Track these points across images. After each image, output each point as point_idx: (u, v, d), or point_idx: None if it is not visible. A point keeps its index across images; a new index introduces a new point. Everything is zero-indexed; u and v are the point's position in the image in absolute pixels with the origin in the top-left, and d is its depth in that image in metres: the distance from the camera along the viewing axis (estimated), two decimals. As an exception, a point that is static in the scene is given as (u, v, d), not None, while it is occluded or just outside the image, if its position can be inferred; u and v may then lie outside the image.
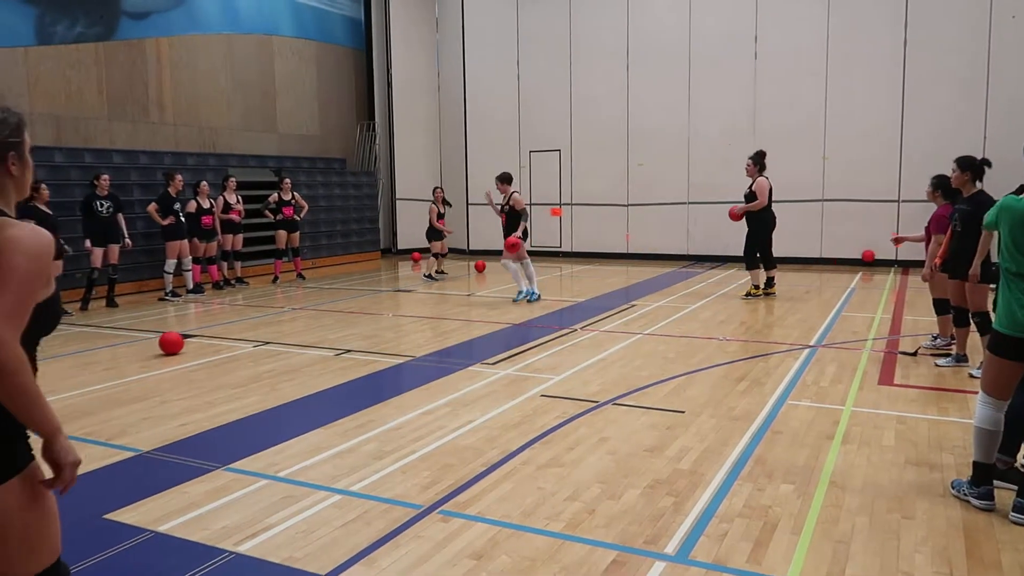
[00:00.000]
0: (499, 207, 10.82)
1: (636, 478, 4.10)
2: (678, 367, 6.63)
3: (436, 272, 13.53)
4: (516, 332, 8.47)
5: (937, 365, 6.50)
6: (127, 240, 10.76)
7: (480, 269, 14.65)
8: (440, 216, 13.41)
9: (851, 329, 8.30)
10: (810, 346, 7.42)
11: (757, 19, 14.95)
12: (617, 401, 5.57)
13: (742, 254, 10.74)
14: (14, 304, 1.68)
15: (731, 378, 6.22)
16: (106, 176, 10.61)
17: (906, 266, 13.65)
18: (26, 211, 9.12)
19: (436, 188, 14.06)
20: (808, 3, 14.46)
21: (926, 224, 7.02)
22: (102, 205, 10.45)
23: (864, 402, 5.49)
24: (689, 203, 15.89)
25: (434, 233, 13.41)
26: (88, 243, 10.33)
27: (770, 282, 10.72)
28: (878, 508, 3.68)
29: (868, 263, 14.21)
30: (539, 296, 10.53)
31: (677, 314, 9.42)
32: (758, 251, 10.58)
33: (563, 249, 17.41)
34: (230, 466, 4.35)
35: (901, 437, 4.71)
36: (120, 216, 10.66)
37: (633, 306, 10.13)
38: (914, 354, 6.92)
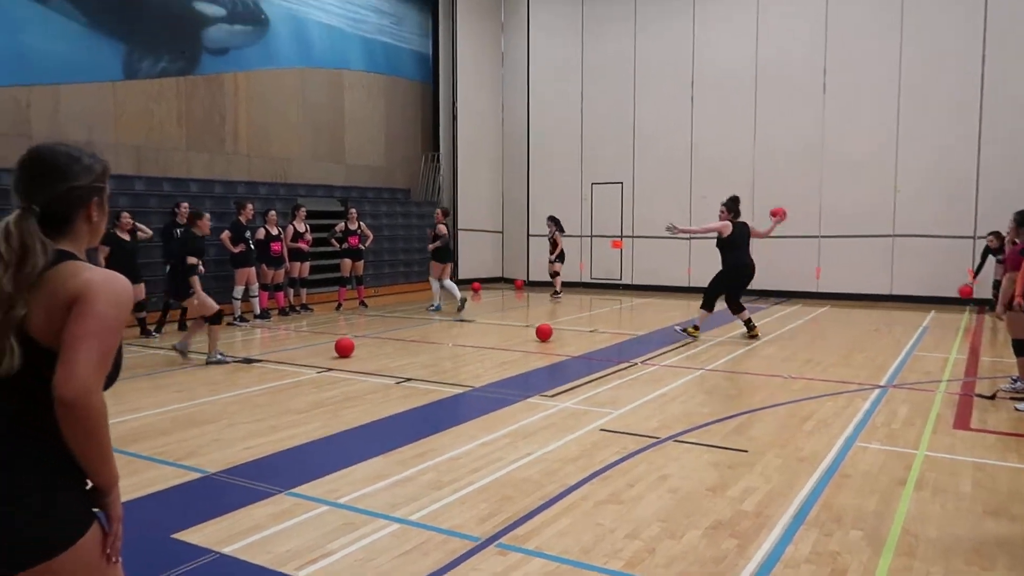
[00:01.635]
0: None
1: (698, 518, 4.01)
2: (741, 404, 6.49)
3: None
4: (575, 365, 8.43)
5: (1017, 410, 6.20)
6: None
7: (519, 287, 14.66)
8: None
9: (924, 369, 7.99)
10: (880, 386, 7.17)
11: (826, 51, 14.75)
12: (678, 438, 5.48)
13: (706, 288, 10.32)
14: (101, 352, 1.67)
15: (797, 417, 6.05)
16: (185, 204, 11.06)
17: (983, 304, 13.10)
18: (105, 238, 9.64)
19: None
20: (880, 35, 14.20)
21: (1002, 259, 6.75)
22: (180, 233, 10.86)
23: (938, 446, 5.27)
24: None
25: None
26: (168, 268, 10.76)
27: (749, 325, 10.13)
28: (954, 560, 3.51)
29: (964, 301, 13.45)
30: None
31: (740, 350, 9.24)
32: (721, 293, 10.14)
33: (623, 281, 17.32)
34: (292, 490, 4.42)
35: (979, 485, 4.50)
36: None
37: (694, 341, 9.98)
38: (992, 397, 6.62)
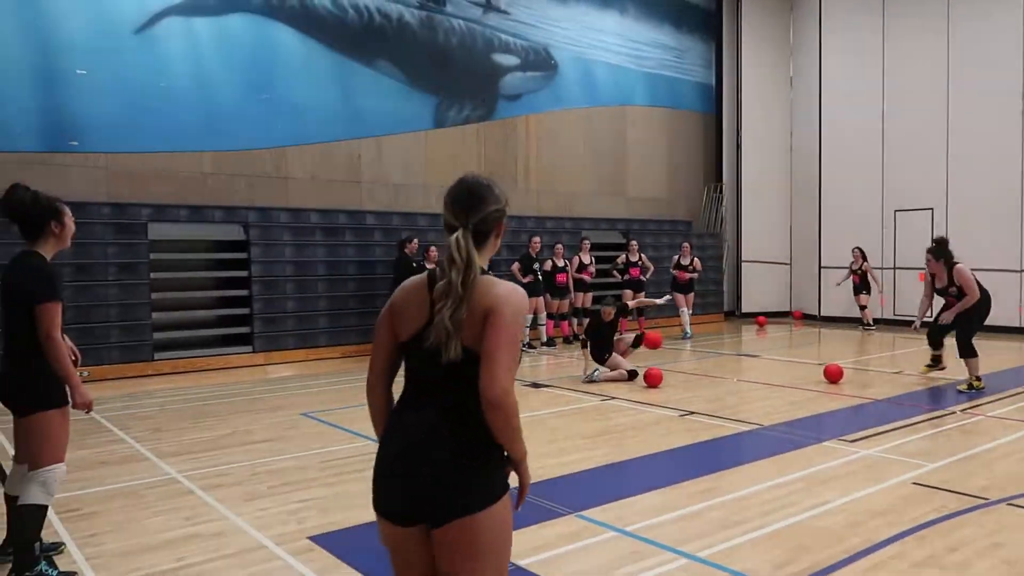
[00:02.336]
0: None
1: (1045, 598, 3.40)
2: (1099, 469, 5.41)
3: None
4: (877, 409, 7.66)
5: None
6: None
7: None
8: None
9: None
10: None
11: None
12: (1013, 501, 4.71)
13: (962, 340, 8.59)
14: (511, 358, 2.02)
15: None
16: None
17: None
18: (399, 263, 11.09)
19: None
20: None
21: None
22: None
23: None
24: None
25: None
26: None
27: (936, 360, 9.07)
28: None
29: None
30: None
31: (1094, 404, 7.73)
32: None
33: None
34: (581, 513, 4.54)
35: None
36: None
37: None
38: None
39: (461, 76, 13.91)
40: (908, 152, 15.73)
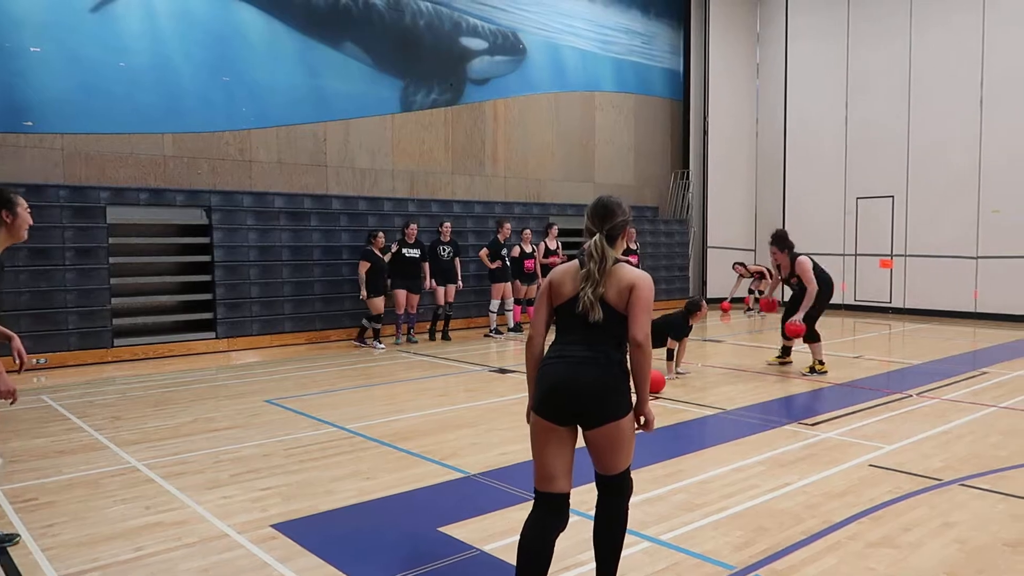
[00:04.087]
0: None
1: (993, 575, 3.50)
2: (1048, 450, 5.58)
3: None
4: (838, 392, 7.81)
5: None
6: (459, 282, 12.04)
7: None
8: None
9: None
10: None
11: None
12: (966, 482, 4.84)
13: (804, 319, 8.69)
14: (648, 318, 2.98)
15: (1125, 471, 5.07)
16: (447, 224, 12.01)
17: None
18: (363, 253, 10.86)
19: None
20: None
21: None
22: (444, 250, 11.84)
23: None
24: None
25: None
26: (433, 283, 11.73)
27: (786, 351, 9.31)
28: None
29: None
30: None
31: (1044, 387, 7.96)
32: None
33: (893, 305, 15.74)
34: (546, 498, 4.55)
35: None
36: (457, 260, 11.99)
37: (984, 373, 8.79)
38: None
39: (428, 59, 13.78)
40: (870, 140, 15.99)
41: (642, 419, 3.11)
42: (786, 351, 9.46)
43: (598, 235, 3.04)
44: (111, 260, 10.20)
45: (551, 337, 3.15)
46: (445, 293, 11.93)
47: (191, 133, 11.22)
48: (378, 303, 10.94)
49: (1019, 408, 6.97)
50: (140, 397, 7.82)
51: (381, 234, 11.11)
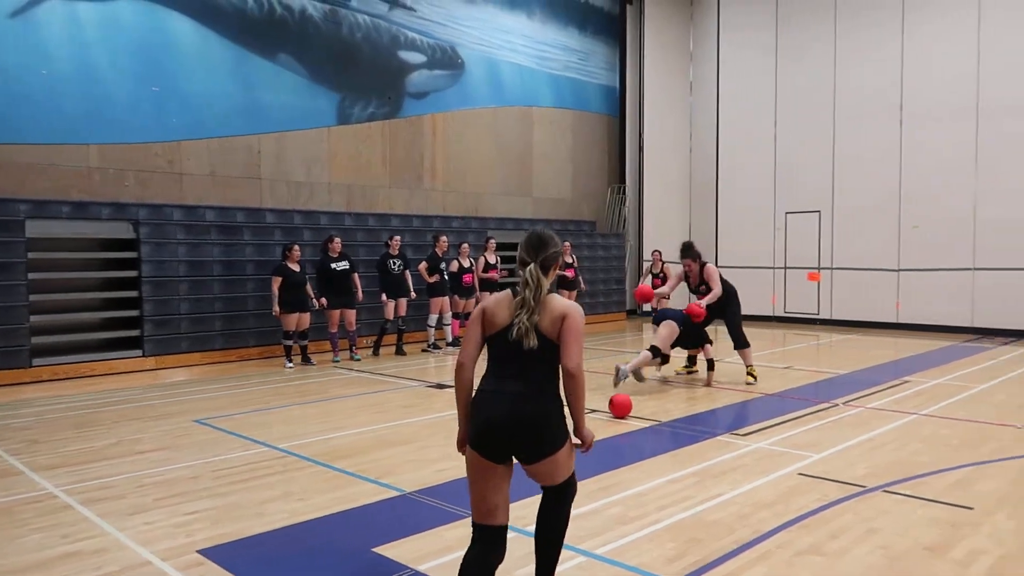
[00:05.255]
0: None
1: (914, 579, 3.62)
2: (964, 456, 5.82)
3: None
4: (768, 403, 8.00)
5: None
6: (413, 294, 11.93)
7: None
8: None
9: None
10: None
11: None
12: (889, 488, 5.01)
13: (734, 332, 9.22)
14: (580, 347, 3.02)
15: (1034, 474, 5.32)
16: (397, 238, 11.90)
17: None
18: (277, 268, 10.48)
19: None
20: None
21: None
22: (395, 264, 11.71)
23: None
24: (975, 269, 14.15)
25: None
26: (384, 296, 11.59)
27: (691, 360, 9.80)
28: None
29: None
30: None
31: (961, 394, 8.32)
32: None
33: (820, 316, 16.26)
34: (482, 515, 4.51)
35: None
36: (407, 273, 11.87)
37: (906, 382, 9.13)
38: None
39: (366, 72, 13.68)
40: (798, 156, 16.55)
41: (580, 441, 3.20)
42: (691, 360, 9.84)
43: (532, 264, 3.11)
44: (30, 276, 9.75)
45: (481, 367, 3.14)
46: (396, 307, 11.80)
47: (118, 144, 10.85)
48: (291, 319, 10.58)
49: (939, 416, 7.25)
50: (60, 419, 7.48)
51: (296, 247, 10.75)
